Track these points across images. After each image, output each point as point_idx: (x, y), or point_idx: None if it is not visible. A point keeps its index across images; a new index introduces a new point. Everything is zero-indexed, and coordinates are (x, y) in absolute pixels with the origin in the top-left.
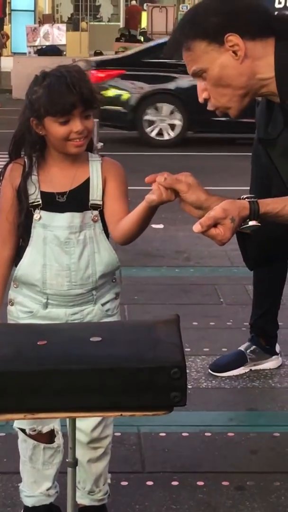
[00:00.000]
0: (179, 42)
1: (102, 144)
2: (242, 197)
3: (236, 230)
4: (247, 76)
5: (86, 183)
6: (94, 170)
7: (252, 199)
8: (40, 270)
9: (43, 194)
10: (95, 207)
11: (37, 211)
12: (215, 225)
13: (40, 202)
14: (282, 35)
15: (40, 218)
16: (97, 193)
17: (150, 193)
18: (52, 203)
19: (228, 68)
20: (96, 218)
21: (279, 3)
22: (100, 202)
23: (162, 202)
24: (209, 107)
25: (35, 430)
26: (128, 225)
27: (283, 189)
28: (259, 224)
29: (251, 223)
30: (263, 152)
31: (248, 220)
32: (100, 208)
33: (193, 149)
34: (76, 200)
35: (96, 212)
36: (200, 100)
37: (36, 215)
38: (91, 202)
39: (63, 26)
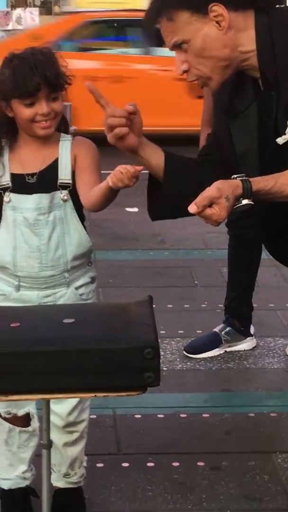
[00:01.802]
0: (159, 11)
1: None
2: (233, 177)
3: (230, 210)
4: (230, 48)
5: (55, 163)
6: (64, 149)
7: (244, 178)
8: (10, 252)
9: (13, 176)
10: (64, 186)
11: (7, 193)
12: (210, 205)
13: (10, 184)
14: (260, 8)
15: (9, 200)
16: (66, 172)
17: (115, 177)
18: (22, 184)
19: (212, 39)
20: (66, 197)
21: None
22: (70, 181)
23: (124, 187)
24: (190, 78)
25: (10, 413)
26: (95, 196)
27: (234, 163)
28: (252, 202)
29: (244, 201)
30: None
31: (241, 199)
32: (69, 187)
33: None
34: (45, 180)
35: (65, 192)
36: (179, 72)
37: (6, 198)
38: (59, 181)
39: (36, 10)
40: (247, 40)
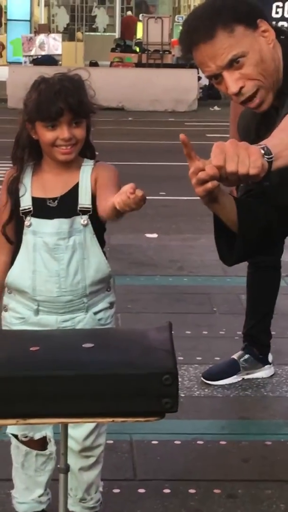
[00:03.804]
0: (215, 25)
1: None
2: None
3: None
4: (275, 63)
5: (76, 187)
6: (84, 174)
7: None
8: (30, 276)
9: (34, 200)
10: (84, 211)
11: (28, 217)
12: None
13: (31, 208)
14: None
15: (30, 224)
16: (86, 197)
17: (122, 202)
18: (43, 209)
19: (265, 52)
20: (86, 222)
21: (276, 13)
22: (90, 206)
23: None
24: (247, 92)
25: (26, 437)
26: (109, 210)
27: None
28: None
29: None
30: None
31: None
32: (90, 213)
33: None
34: (66, 205)
35: (85, 217)
36: (235, 90)
37: (27, 222)
38: (79, 206)
39: (59, 36)
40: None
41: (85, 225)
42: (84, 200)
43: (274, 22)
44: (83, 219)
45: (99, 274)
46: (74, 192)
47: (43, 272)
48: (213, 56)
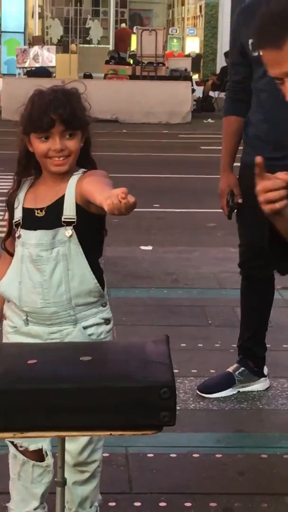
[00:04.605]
0: (283, 36)
1: None
2: None
3: None
4: None
5: (62, 198)
6: (71, 184)
7: None
8: (16, 287)
9: (25, 211)
10: (68, 222)
11: (19, 229)
12: None
13: (21, 220)
14: None
15: (19, 236)
16: (71, 208)
17: (112, 205)
18: (30, 219)
19: None
20: (70, 233)
21: None
22: (74, 218)
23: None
24: None
25: (22, 447)
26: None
27: None
28: None
29: None
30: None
31: None
32: (74, 224)
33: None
34: (51, 216)
35: (69, 228)
36: None
37: (17, 233)
38: (64, 217)
39: (53, 48)
40: None
41: (70, 236)
42: (69, 211)
43: None
44: (67, 230)
45: (84, 286)
46: (60, 202)
47: (28, 283)
48: (278, 62)
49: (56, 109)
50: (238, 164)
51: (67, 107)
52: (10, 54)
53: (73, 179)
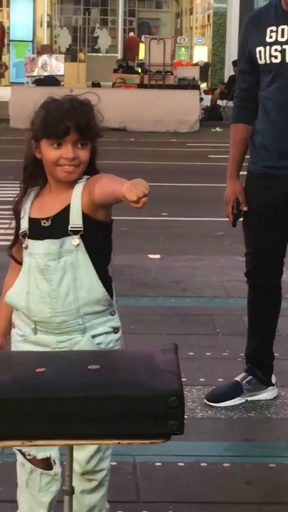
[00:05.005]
0: None
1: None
2: None
3: None
4: None
5: (68, 207)
6: (76, 193)
7: None
8: (24, 297)
9: (31, 221)
10: (75, 231)
11: (25, 240)
12: None
13: (27, 231)
14: None
15: (26, 246)
16: (77, 217)
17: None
18: (37, 229)
19: None
20: (77, 242)
21: (270, 37)
22: (81, 227)
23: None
24: None
25: (30, 455)
26: (105, 195)
27: None
28: None
29: None
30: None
31: None
32: (81, 232)
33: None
34: (58, 225)
35: (76, 237)
36: None
37: (24, 244)
38: (70, 226)
39: (61, 57)
40: None
41: (77, 245)
42: (75, 220)
43: (268, 47)
44: (74, 240)
45: (93, 295)
46: (66, 211)
47: (36, 293)
48: None
49: (73, 118)
50: (245, 173)
51: (83, 117)
52: (18, 57)
53: (78, 188)
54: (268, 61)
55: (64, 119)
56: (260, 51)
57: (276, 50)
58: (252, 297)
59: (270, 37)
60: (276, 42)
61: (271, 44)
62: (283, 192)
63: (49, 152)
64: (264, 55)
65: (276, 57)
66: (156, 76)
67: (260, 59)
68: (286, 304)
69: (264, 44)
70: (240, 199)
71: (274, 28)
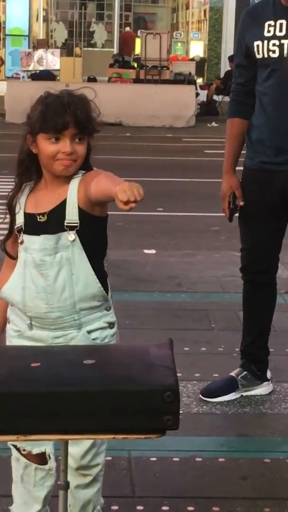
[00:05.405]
0: None
1: None
2: None
3: None
4: None
5: (64, 202)
6: (72, 188)
7: None
8: (20, 292)
9: (26, 216)
10: (71, 227)
11: (21, 235)
12: None
13: (23, 226)
14: None
15: (22, 241)
16: (73, 212)
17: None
18: (33, 224)
19: None
20: (73, 238)
21: (268, 31)
22: (76, 221)
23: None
24: None
25: (25, 450)
26: (101, 192)
27: None
28: None
29: None
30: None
31: None
32: (77, 228)
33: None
34: (54, 220)
35: (72, 232)
36: None
37: (20, 239)
38: (66, 222)
39: (57, 51)
40: None
41: (73, 241)
42: (71, 215)
43: (265, 41)
44: (70, 235)
45: (88, 290)
46: (62, 207)
47: (31, 288)
48: None
49: (73, 112)
50: (242, 168)
51: (82, 111)
52: (14, 45)
53: (74, 182)
54: (266, 56)
55: (62, 113)
56: (258, 45)
57: (274, 44)
58: (248, 293)
59: (268, 31)
60: (274, 37)
61: (269, 39)
62: (279, 188)
63: (46, 146)
64: (262, 49)
65: (274, 51)
66: (152, 71)
67: (258, 53)
68: (281, 300)
69: (262, 38)
70: (237, 194)
71: (272, 22)
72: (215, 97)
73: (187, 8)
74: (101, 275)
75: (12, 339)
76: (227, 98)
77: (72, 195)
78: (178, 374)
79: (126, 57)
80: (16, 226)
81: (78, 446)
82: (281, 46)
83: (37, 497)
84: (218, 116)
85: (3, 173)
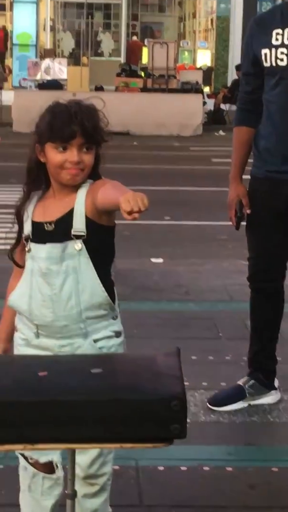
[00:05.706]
0: None
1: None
2: None
3: None
4: None
5: (71, 211)
6: (80, 196)
7: None
8: (26, 301)
9: (34, 224)
10: (78, 236)
11: (28, 243)
12: None
13: (30, 234)
14: None
15: (29, 250)
16: (80, 221)
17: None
18: (40, 233)
19: None
20: (80, 247)
21: (276, 39)
22: (84, 232)
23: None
24: None
25: (32, 459)
26: (108, 202)
27: None
28: None
29: None
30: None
31: None
32: (84, 237)
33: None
34: (61, 229)
35: (79, 241)
36: None
37: (27, 247)
38: (73, 231)
39: (64, 61)
40: None
41: (79, 250)
42: (78, 224)
43: (273, 49)
44: (76, 244)
45: (95, 299)
46: (69, 216)
47: (37, 297)
48: None
49: (80, 122)
50: (248, 177)
51: (90, 121)
52: (21, 51)
53: (82, 191)
54: (274, 64)
55: (70, 123)
56: (265, 54)
57: (282, 53)
58: (255, 301)
59: (276, 39)
60: (282, 45)
61: (277, 47)
62: (286, 196)
63: (54, 155)
64: (270, 57)
65: (282, 59)
66: (159, 80)
67: (266, 61)
68: None
69: (270, 46)
70: (244, 202)
71: (280, 30)
72: (222, 106)
73: (194, 17)
74: (108, 284)
75: (20, 347)
76: (234, 107)
77: (80, 204)
78: (186, 383)
79: (133, 66)
80: (23, 235)
81: (85, 455)
82: None
83: (44, 506)
84: (225, 125)
85: (10, 182)
